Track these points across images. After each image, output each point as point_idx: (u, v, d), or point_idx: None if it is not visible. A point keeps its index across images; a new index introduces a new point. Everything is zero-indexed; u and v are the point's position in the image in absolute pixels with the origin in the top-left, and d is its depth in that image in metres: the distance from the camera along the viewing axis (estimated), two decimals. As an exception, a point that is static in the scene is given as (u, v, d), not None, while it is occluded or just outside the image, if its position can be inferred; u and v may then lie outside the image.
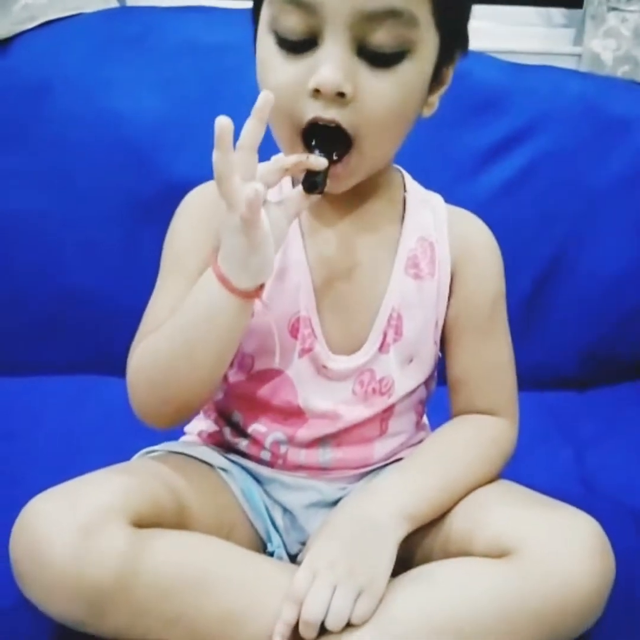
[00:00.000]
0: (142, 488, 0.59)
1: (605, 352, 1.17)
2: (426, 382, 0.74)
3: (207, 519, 0.64)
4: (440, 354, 0.75)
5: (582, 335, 1.16)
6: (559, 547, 0.56)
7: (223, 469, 0.70)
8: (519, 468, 0.84)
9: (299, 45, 0.57)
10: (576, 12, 1.37)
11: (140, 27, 1.13)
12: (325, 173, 0.58)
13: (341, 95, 0.57)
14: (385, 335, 0.69)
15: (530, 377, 1.13)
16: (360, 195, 0.69)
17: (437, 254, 0.71)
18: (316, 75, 0.56)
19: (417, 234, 0.71)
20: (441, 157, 1.10)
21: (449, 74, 0.66)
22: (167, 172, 1.09)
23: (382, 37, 0.56)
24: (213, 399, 0.74)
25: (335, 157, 0.59)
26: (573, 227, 1.14)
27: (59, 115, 1.09)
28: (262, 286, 0.59)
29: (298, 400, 0.69)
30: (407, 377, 0.71)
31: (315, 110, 0.58)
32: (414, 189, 0.73)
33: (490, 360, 0.72)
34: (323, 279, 0.68)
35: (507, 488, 0.67)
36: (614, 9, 1.26)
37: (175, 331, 0.61)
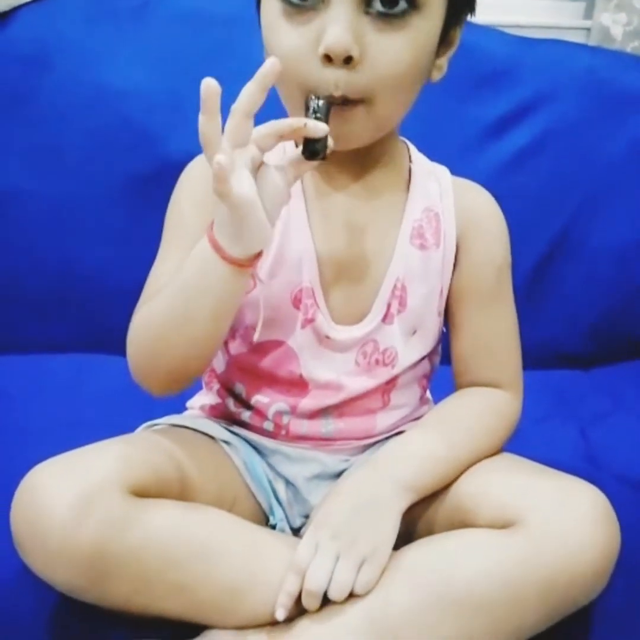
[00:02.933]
0: (143, 458, 0.59)
1: (611, 328, 1.16)
2: (430, 356, 0.74)
3: (210, 491, 0.64)
4: (444, 330, 0.74)
5: (589, 310, 1.15)
6: (564, 516, 0.56)
7: (226, 442, 0.70)
8: (524, 445, 0.84)
9: (305, 8, 0.57)
10: (586, -15, 1.35)
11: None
12: (325, 139, 0.56)
13: (349, 59, 0.56)
14: (389, 306, 0.68)
15: (536, 355, 1.12)
16: (365, 165, 0.68)
17: (442, 225, 0.70)
18: (325, 39, 0.55)
19: (423, 205, 0.70)
20: (449, 129, 1.09)
21: (457, 35, 0.65)
22: (165, 147, 1.07)
23: None
24: (209, 367, 0.73)
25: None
26: (581, 200, 1.12)
27: (58, 89, 1.08)
28: (258, 255, 0.58)
29: (301, 370, 0.69)
30: (411, 349, 0.71)
31: (326, 83, 0.57)
32: (420, 161, 0.73)
33: (494, 332, 0.72)
34: (327, 250, 0.67)
35: (510, 460, 0.67)
36: (626, -19, 1.24)
37: (172, 295, 0.61)
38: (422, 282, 0.69)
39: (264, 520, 0.70)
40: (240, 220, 0.55)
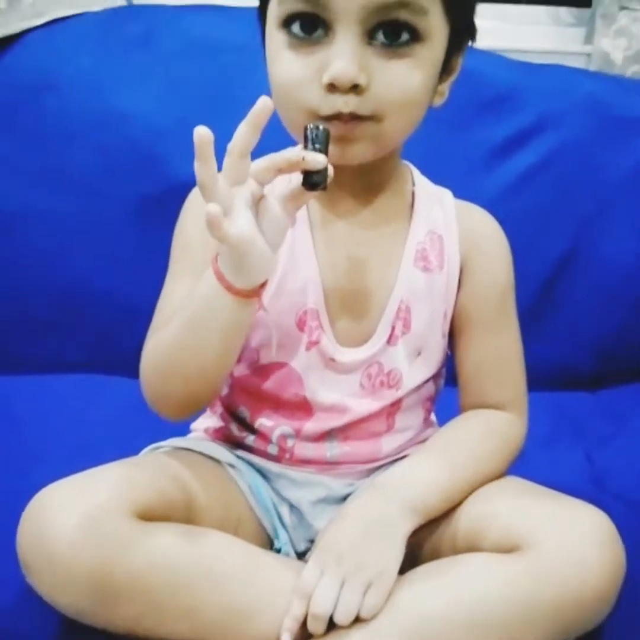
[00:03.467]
0: (149, 481, 0.59)
1: (618, 349, 1.16)
2: (434, 378, 0.74)
3: (215, 514, 0.64)
4: (449, 351, 0.74)
5: (595, 331, 1.15)
6: (569, 539, 0.56)
7: (230, 465, 0.70)
8: (530, 467, 0.83)
9: (310, 41, 0.58)
10: (585, 11, 1.37)
11: (147, 25, 1.13)
12: (325, 170, 0.55)
13: (356, 86, 0.57)
14: (393, 327, 0.69)
15: (542, 376, 1.12)
16: (371, 188, 0.69)
17: (445, 247, 0.71)
18: (330, 70, 0.57)
19: (426, 228, 0.71)
20: (453, 153, 1.10)
21: (459, 62, 0.66)
22: (173, 170, 1.08)
23: (392, 27, 0.57)
24: (221, 392, 0.73)
25: None
26: (585, 223, 1.13)
27: (65, 113, 1.09)
28: (263, 285, 0.59)
29: (305, 393, 0.69)
30: (416, 371, 0.71)
31: (334, 105, 0.58)
32: (423, 184, 0.73)
33: (499, 354, 0.72)
34: (332, 274, 0.68)
35: (515, 483, 0.66)
36: (625, 8, 1.25)
37: (180, 326, 0.61)
38: (426, 304, 0.70)
39: (269, 544, 0.69)
40: (241, 257, 0.56)
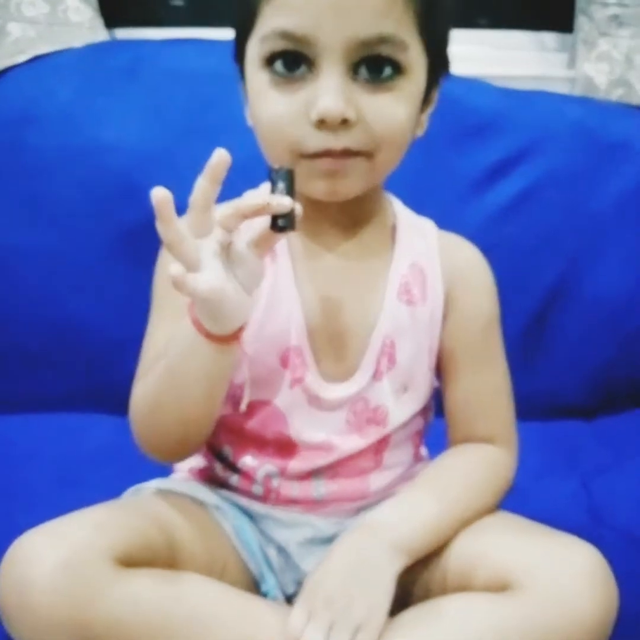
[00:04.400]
0: (130, 525, 0.58)
1: (611, 377, 1.15)
2: (423, 412, 0.73)
3: (199, 557, 0.63)
4: (436, 384, 0.73)
5: (587, 360, 1.14)
6: (559, 578, 0.55)
7: (215, 507, 0.68)
8: (526, 498, 0.82)
9: (294, 78, 0.58)
10: (567, 37, 1.38)
11: (128, 59, 1.13)
12: (292, 212, 0.54)
13: (345, 121, 0.57)
14: (378, 362, 0.68)
15: (536, 407, 1.12)
16: (356, 221, 0.68)
17: (428, 280, 0.70)
18: (318, 106, 0.57)
19: (409, 260, 0.70)
20: (439, 182, 1.10)
21: (436, 94, 0.67)
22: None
23: (375, 62, 0.58)
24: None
25: None
26: (574, 249, 1.12)
27: (48, 147, 1.09)
28: (241, 329, 0.57)
29: (289, 431, 0.67)
30: (402, 406, 0.69)
31: (324, 141, 0.58)
32: (404, 215, 0.73)
33: (486, 387, 0.71)
34: (314, 308, 0.67)
35: (505, 519, 0.65)
36: (605, 34, 1.26)
37: (163, 373, 0.61)
38: (411, 338, 0.69)
39: (255, 587, 0.67)
40: (215, 307, 0.55)
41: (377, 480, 0.70)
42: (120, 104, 1.10)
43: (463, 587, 0.59)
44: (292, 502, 0.69)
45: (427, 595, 0.61)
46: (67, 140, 1.09)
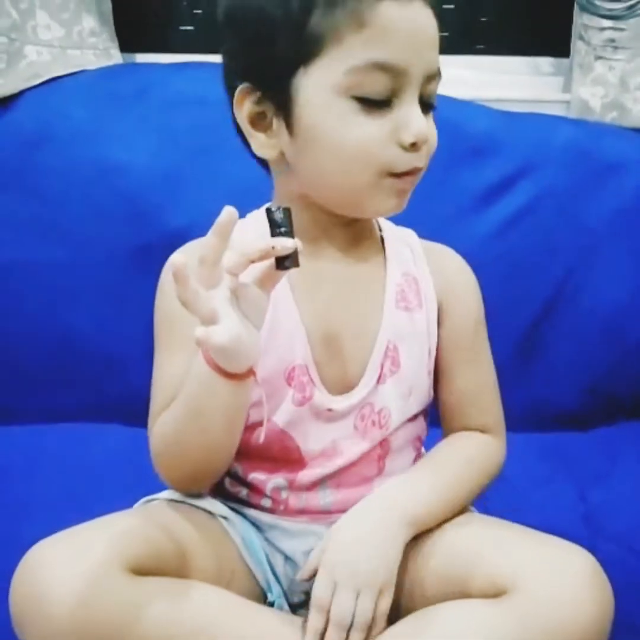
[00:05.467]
0: (142, 535, 0.59)
1: (607, 388, 1.17)
2: (421, 417, 0.75)
3: (208, 567, 0.64)
4: (432, 391, 0.76)
5: (583, 372, 1.16)
6: (554, 583, 0.56)
7: (224, 517, 0.70)
8: (523, 507, 0.83)
9: (382, 103, 0.62)
10: (563, 61, 1.41)
11: (141, 83, 1.16)
12: (295, 250, 0.57)
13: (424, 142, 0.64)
14: (382, 367, 0.70)
15: (533, 417, 1.13)
16: (355, 235, 0.71)
17: (421, 288, 0.74)
18: (412, 130, 0.62)
19: (400, 270, 0.73)
20: (435, 203, 1.12)
21: None
22: (165, 221, 1.11)
23: (431, 90, 0.65)
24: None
25: None
26: (569, 265, 1.15)
27: (61, 168, 1.12)
28: (252, 369, 0.60)
29: (298, 444, 0.69)
30: (405, 410, 0.72)
31: (412, 161, 0.63)
32: (388, 227, 0.76)
33: (479, 381, 0.76)
34: (316, 324, 0.69)
35: (499, 526, 0.67)
36: (601, 57, 1.29)
37: (182, 411, 0.63)
38: (413, 343, 0.72)
39: (262, 597, 0.69)
40: (232, 352, 0.57)
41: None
42: (131, 127, 1.13)
43: (460, 592, 0.60)
44: (299, 512, 0.71)
45: (425, 602, 0.62)
46: (78, 162, 1.12)
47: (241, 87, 0.64)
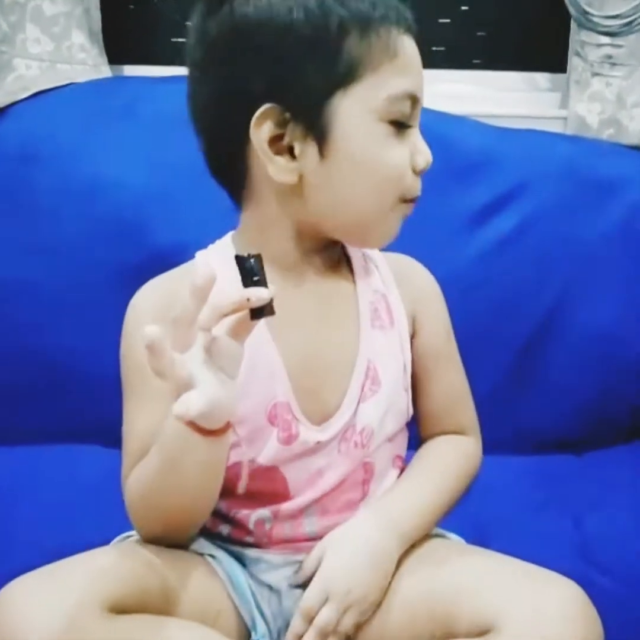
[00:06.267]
0: (123, 572, 0.58)
1: (601, 411, 1.16)
2: (401, 434, 0.74)
3: (193, 604, 0.62)
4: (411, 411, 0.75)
5: (578, 394, 1.15)
6: (539, 620, 0.55)
7: (209, 555, 0.68)
8: (517, 536, 0.82)
9: (406, 128, 0.64)
10: (560, 77, 1.40)
11: (130, 96, 1.15)
12: (270, 299, 0.54)
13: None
14: (363, 387, 0.69)
15: (526, 440, 1.12)
16: (330, 260, 0.71)
17: (392, 305, 0.73)
18: (426, 155, 0.65)
19: (370, 287, 0.72)
20: (430, 221, 1.10)
21: None
22: (155, 238, 1.09)
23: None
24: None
25: None
26: (563, 285, 1.14)
27: (49, 184, 1.10)
28: (229, 423, 0.58)
29: (285, 478, 0.67)
30: (385, 427, 0.71)
31: (417, 188, 0.66)
32: (348, 245, 0.75)
33: (454, 386, 0.78)
34: (295, 358, 0.67)
35: (480, 558, 0.65)
36: (598, 74, 1.28)
37: (155, 468, 0.61)
38: (389, 360, 0.71)
39: (247, 636, 0.67)
40: (210, 412, 0.55)
41: None
42: (121, 142, 1.12)
43: (448, 633, 0.59)
44: (284, 541, 0.69)
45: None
46: (67, 177, 1.10)
47: (266, 108, 0.61)
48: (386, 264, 0.75)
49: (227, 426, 0.58)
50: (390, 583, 0.64)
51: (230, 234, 0.73)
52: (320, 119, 0.61)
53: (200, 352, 0.54)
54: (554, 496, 1.00)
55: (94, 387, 1.09)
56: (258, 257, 0.55)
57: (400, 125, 0.63)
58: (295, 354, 0.67)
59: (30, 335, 1.11)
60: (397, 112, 0.63)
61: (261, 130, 0.61)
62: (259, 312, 0.54)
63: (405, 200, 0.66)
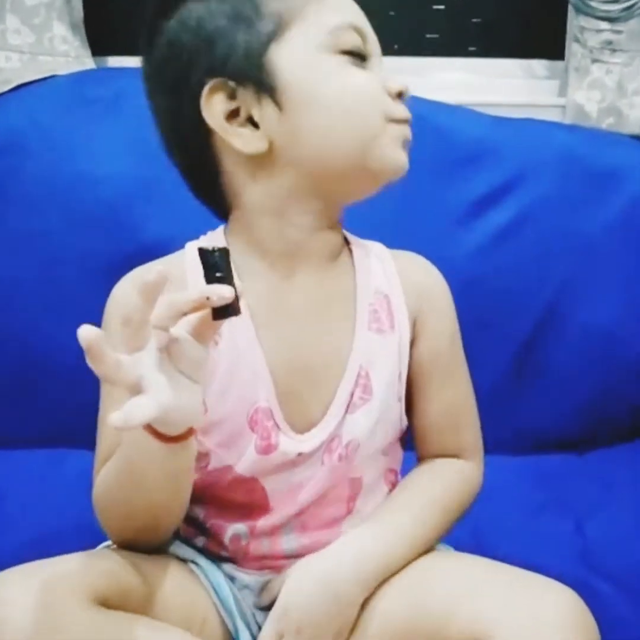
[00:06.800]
0: (108, 570, 0.56)
1: (602, 410, 1.13)
2: (393, 449, 0.70)
3: (176, 611, 0.60)
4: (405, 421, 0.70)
5: (578, 393, 1.12)
6: (535, 628, 0.53)
7: (193, 562, 0.66)
8: (517, 540, 0.79)
9: (365, 59, 0.63)
10: (558, 64, 1.37)
11: (113, 88, 1.12)
12: (235, 297, 0.49)
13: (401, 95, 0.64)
14: (352, 395, 0.65)
15: (526, 440, 1.10)
16: (330, 250, 0.66)
17: (393, 306, 0.68)
18: (397, 80, 0.63)
19: (372, 287, 0.68)
20: (428, 212, 1.08)
21: None
22: (141, 232, 1.06)
23: None
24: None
25: None
26: (563, 278, 1.11)
27: (33, 178, 1.08)
28: (191, 429, 0.54)
29: (264, 489, 0.64)
30: (373, 439, 0.66)
31: (404, 110, 0.64)
32: (354, 240, 0.71)
33: (454, 402, 0.71)
34: (282, 360, 0.63)
35: (472, 567, 0.62)
36: (597, 60, 1.25)
37: (122, 472, 0.58)
38: (383, 367, 0.66)
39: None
40: (166, 419, 0.51)
41: (350, 529, 0.67)
42: (105, 133, 1.09)
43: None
44: (262, 558, 0.66)
45: None
46: (51, 170, 1.08)
47: (211, 84, 0.60)
48: (393, 262, 0.70)
49: (190, 432, 0.54)
50: (367, 600, 0.61)
51: (222, 225, 0.69)
52: (263, 74, 0.60)
53: (152, 354, 0.50)
54: (554, 497, 0.98)
55: (72, 388, 1.05)
56: (223, 252, 0.50)
57: (357, 56, 0.62)
58: (282, 354, 0.63)
59: (10, 333, 1.08)
60: (346, 42, 0.61)
61: (214, 108, 0.61)
62: (222, 311, 0.50)
63: (393, 121, 0.63)
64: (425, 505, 0.66)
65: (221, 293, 0.49)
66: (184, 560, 0.66)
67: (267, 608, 0.63)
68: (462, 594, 0.58)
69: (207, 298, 0.49)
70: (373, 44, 0.64)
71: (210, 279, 0.50)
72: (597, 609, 0.56)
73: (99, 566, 0.56)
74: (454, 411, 0.71)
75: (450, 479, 0.69)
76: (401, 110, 0.63)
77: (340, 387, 0.64)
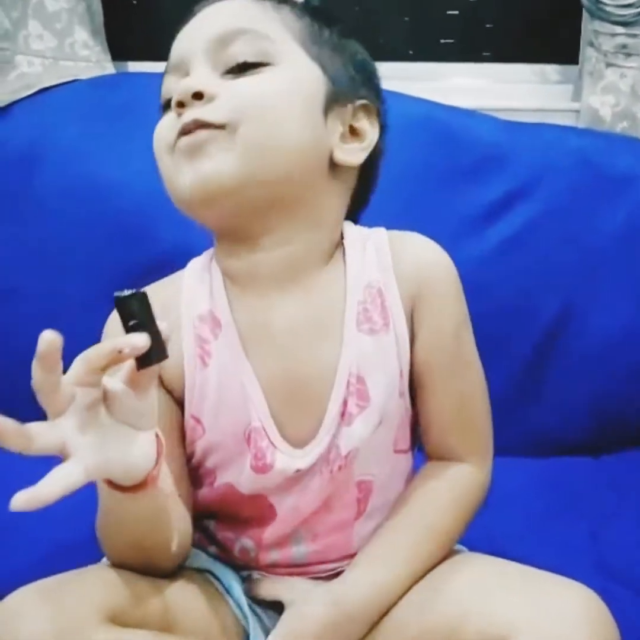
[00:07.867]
0: (124, 584, 0.56)
1: (616, 413, 1.12)
2: (405, 450, 0.68)
3: (196, 623, 0.61)
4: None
5: (592, 396, 1.11)
6: (555, 629, 0.53)
7: (210, 572, 0.66)
8: (530, 547, 0.79)
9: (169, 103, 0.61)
10: (571, 68, 1.37)
11: (133, 93, 1.13)
12: (158, 342, 0.46)
13: (199, 96, 0.59)
14: (346, 403, 0.62)
15: (538, 444, 1.09)
16: (312, 282, 0.63)
17: (387, 301, 0.63)
18: (177, 92, 0.60)
19: (363, 282, 0.63)
20: (439, 216, 1.07)
21: (366, 127, 0.65)
22: (159, 241, 1.07)
23: (237, 49, 0.60)
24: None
25: None
26: (575, 284, 1.10)
27: (53, 184, 1.09)
28: (149, 477, 0.52)
29: (271, 505, 0.64)
30: (376, 440, 0.64)
31: (175, 126, 0.60)
32: (352, 233, 0.66)
33: (461, 397, 0.66)
34: (271, 377, 0.62)
35: (487, 569, 0.62)
36: (612, 64, 1.25)
37: (102, 514, 0.58)
38: (381, 370, 0.63)
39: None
40: (105, 475, 0.50)
41: (361, 530, 0.66)
42: (124, 140, 1.10)
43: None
44: (273, 566, 0.66)
45: None
46: (71, 175, 1.09)
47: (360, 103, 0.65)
48: (388, 245, 0.65)
49: (148, 480, 0.51)
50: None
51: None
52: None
53: (77, 414, 0.47)
54: (569, 502, 0.97)
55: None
56: (138, 297, 0.47)
57: (168, 105, 0.62)
58: (272, 371, 0.62)
59: (28, 340, 1.08)
60: (163, 99, 0.65)
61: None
62: (146, 359, 0.46)
63: (172, 148, 0.61)
64: (426, 531, 0.64)
65: (133, 343, 0.46)
66: (199, 570, 0.66)
67: (269, 605, 0.64)
68: (480, 594, 0.57)
69: (119, 351, 0.46)
70: (192, 51, 0.62)
71: (126, 327, 0.47)
72: (616, 614, 0.55)
73: (115, 580, 0.56)
74: (460, 407, 0.66)
75: (453, 491, 0.66)
76: (175, 125, 0.60)
77: (331, 399, 0.62)
